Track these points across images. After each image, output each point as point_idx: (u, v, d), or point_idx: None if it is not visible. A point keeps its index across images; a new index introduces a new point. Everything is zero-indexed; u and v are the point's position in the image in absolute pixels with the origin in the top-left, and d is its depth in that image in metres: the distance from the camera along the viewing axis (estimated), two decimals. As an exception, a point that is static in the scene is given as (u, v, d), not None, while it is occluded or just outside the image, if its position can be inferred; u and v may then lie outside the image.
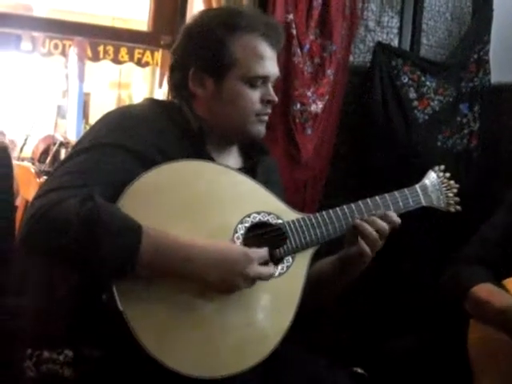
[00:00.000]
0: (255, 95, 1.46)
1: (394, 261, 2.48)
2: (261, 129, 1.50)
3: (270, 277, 1.34)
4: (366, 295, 2.58)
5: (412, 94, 2.57)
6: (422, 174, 1.68)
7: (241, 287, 1.31)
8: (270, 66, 1.46)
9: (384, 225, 1.46)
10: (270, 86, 1.48)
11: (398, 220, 1.49)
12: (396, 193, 1.56)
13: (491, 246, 1.83)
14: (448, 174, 1.66)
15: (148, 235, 1.21)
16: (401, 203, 1.55)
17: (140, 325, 1.22)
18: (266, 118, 1.50)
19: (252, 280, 1.31)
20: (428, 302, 2.19)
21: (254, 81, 1.45)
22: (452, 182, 1.66)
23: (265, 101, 1.47)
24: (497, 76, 2.68)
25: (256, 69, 1.44)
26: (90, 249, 1.17)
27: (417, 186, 1.61)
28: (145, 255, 1.20)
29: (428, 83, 2.59)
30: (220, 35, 1.43)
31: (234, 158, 1.56)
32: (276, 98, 1.50)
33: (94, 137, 1.37)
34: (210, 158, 1.45)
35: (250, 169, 1.53)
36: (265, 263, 1.34)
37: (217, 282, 1.28)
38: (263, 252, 1.34)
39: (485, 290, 1.67)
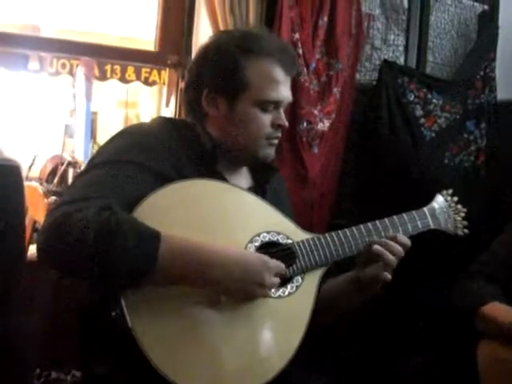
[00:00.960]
0: (266, 119, 1.46)
1: (404, 281, 2.47)
2: (270, 152, 1.50)
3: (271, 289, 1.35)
4: (373, 313, 2.57)
5: (418, 112, 2.58)
6: (429, 191, 1.68)
7: (255, 294, 1.31)
8: (283, 92, 1.47)
9: (400, 249, 1.46)
10: (281, 110, 1.48)
11: (408, 242, 1.49)
12: (404, 215, 1.56)
13: (500, 262, 1.84)
14: (456, 198, 1.66)
15: (167, 241, 1.22)
16: (409, 225, 1.55)
17: (149, 341, 1.22)
18: (276, 141, 1.50)
19: (267, 289, 1.31)
20: (437, 321, 2.18)
21: (266, 105, 1.45)
22: (460, 206, 1.66)
23: (275, 125, 1.47)
24: (503, 93, 2.69)
25: (269, 93, 1.44)
26: (108, 255, 1.17)
27: (425, 209, 1.61)
28: (163, 260, 1.21)
29: (434, 101, 2.60)
30: (235, 58, 1.43)
31: (244, 177, 1.57)
32: (287, 123, 1.50)
33: (111, 153, 1.37)
34: (222, 178, 1.46)
35: (259, 188, 1.54)
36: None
37: (233, 287, 1.28)
38: (282, 266, 1.34)
39: (493, 309, 1.69)
